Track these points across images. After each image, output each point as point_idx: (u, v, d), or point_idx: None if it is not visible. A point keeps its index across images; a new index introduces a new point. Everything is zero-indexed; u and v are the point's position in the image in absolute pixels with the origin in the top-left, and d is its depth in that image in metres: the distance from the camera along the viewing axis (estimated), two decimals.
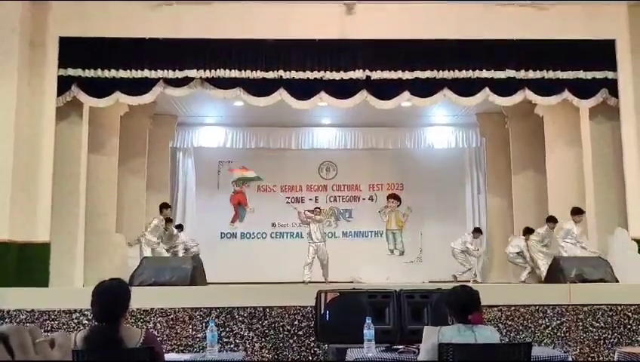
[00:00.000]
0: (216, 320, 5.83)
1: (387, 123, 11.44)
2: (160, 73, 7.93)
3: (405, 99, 8.35)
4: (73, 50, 7.90)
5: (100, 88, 7.95)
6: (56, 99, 7.83)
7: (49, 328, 5.62)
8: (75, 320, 5.78)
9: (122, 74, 7.90)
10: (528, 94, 8.17)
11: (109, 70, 7.89)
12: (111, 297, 3.15)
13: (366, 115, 10.46)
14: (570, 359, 4.11)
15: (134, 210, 9.92)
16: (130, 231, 9.47)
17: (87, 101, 8.03)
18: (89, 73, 7.89)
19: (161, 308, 5.90)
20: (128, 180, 9.87)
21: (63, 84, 7.86)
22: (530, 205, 10.05)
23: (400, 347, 4.23)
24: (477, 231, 10.47)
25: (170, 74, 7.94)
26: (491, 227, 11.14)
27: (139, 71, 7.92)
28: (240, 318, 5.93)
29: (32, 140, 7.70)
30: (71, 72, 7.87)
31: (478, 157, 12.01)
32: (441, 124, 11.80)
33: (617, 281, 7.02)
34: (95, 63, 7.90)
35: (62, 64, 7.86)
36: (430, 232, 12.13)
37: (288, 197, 12.22)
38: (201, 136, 11.74)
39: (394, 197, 12.38)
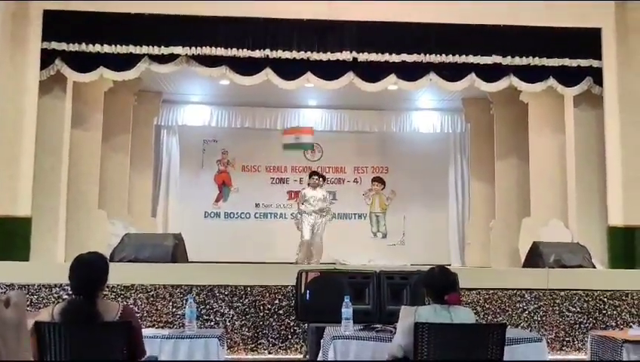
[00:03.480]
0: (197, 297, 5.86)
1: (373, 106, 11.42)
2: (145, 49, 7.85)
3: (392, 83, 8.34)
4: (57, 24, 7.78)
5: (84, 63, 7.86)
6: (40, 73, 7.74)
7: (28, 302, 5.62)
8: (55, 295, 5.79)
9: (107, 49, 7.81)
10: (514, 80, 8.19)
11: (94, 45, 7.79)
12: (88, 270, 3.15)
13: (352, 98, 10.42)
14: (544, 341, 4.18)
15: (117, 186, 9.86)
16: (113, 208, 9.44)
17: (71, 76, 7.94)
18: (73, 47, 7.79)
19: (142, 285, 5.92)
20: (112, 157, 9.80)
21: (47, 58, 7.75)
22: (512, 191, 10.12)
23: (377, 326, 4.28)
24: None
25: (156, 50, 7.86)
26: (474, 212, 11.22)
27: (124, 46, 7.83)
28: (221, 296, 5.97)
29: (15, 114, 7.62)
30: (55, 45, 7.77)
31: (463, 142, 12.04)
32: (427, 109, 11.81)
33: (594, 267, 7.13)
34: (80, 37, 7.79)
35: (46, 37, 7.74)
36: (413, 216, 12.19)
37: (273, 178, 12.20)
38: (186, 115, 11.66)
39: (378, 180, 12.41)
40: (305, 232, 9.51)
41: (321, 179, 9.92)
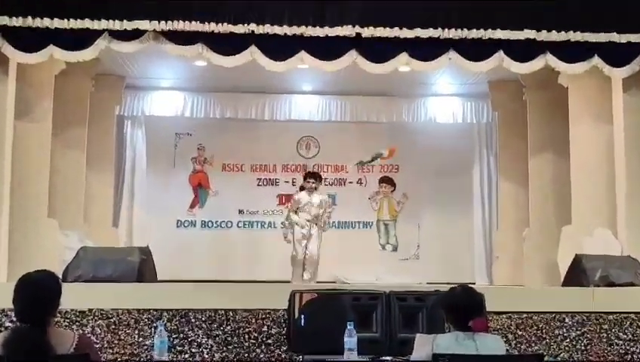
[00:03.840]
0: (168, 324, 5.85)
1: (381, 91, 11.42)
2: (104, 24, 7.81)
3: (403, 63, 8.33)
4: None
5: (30, 40, 7.82)
6: None
7: None
8: None
9: (58, 24, 7.77)
10: (550, 60, 8.19)
11: (42, 19, 7.75)
12: (37, 293, 3.15)
13: (355, 82, 10.43)
14: None
15: (72, 190, 9.86)
16: (66, 216, 9.43)
17: (14, 55, 7.90)
18: (17, 22, 7.74)
19: (102, 309, 5.90)
20: (64, 154, 9.79)
21: None
22: (549, 193, 10.13)
23: (387, 358, 4.28)
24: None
25: (117, 25, 7.82)
26: (503, 218, 11.23)
27: (78, 21, 7.78)
28: (197, 322, 5.95)
29: None
30: None
31: (490, 134, 12.07)
32: (446, 95, 11.82)
33: None
34: (25, 10, 7.74)
35: None
36: (430, 224, 12.21)
37: (260, 179, 12.22)
38: (155, 103, 11.65)
39: (387, 181, 12.43)
40: (296, 246, 9.54)
41: (317, 181, 9.93)
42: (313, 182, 9.79)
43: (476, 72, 9.63)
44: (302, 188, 10.06)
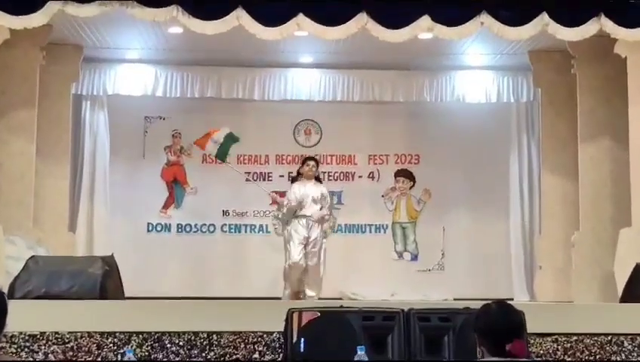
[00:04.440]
0: (138, 350, 5.86)
1: (396, 64, 11.42)
2: None
3: (424, 29, 8.34)
4: None
5: None
6: None
7: None
8: None
9: None
10: (605, 24, 8.19)
11: None
12: None
13: (365, 52, 10.42)
14: None
15: (18, 186, 9.86)
16: (12, 219, 9.43)
17: None
18: None
19: (57, 333, 5.91)
20: (8, 142, 9.80)
21: None
22: (604, 188, 10.12)
23: None
24: None
25: None
26: (547, 220, 11.23)
27: None
28: (174, 348, 5.96)
29: None
30: None
31: (531, 116, 12.05)
32: (477, 68, 11.81)
33: None
34: None
35: None
36: (457, 228, 12.21)
37: (248, 173, 12.23)
38: (119, 79, 11.63)
39: (405, 174, 12.43)
40: (293, 251, 9.49)
41: (317, 167, 9.91)
42: (314, 165, 9.75)
43: (514, 40, 9.61)
44: (294, 179, 10.01)
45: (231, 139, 10.71)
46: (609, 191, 10.08)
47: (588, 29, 8.29)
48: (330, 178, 11.93)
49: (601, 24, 8.20)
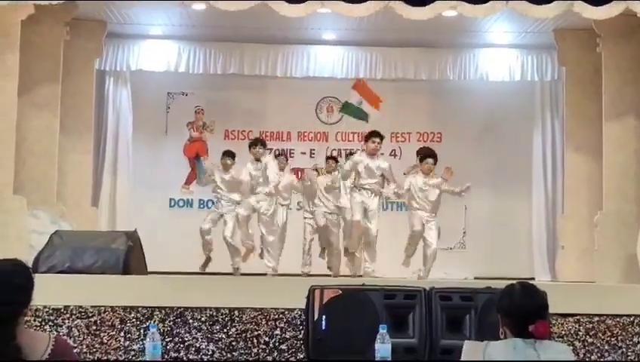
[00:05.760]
0: (161, 325, 5.89)
1: (420, 42, 11.41)
2: None
3: (448, 7, 8.35)
4: None
5: None
6: None
7: None
8: None
9: None
10: (632, 3, 8.12)
11: None
12: (3, 286, 3.17)
13: (388, 30, 10.37)
14: None
15: (42, 162, 9.91)
16: (36, 194, 9.49)
17: None
18: None
19: (80, 307, 5.95)
20: (33, 118, 9.84)
21: None
22: (629, 169, 10.06)
23: None
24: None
25: None
26: (570, 199, 11.17)
27: None
28: (196, 324, 5.99)
29: None
30: None
31: (555, 95, 11.99)
32: (501, 46, 11.76)
33: None
34: None
35: None
36: (479, 206, 12.17)
37: (270, 150, 12.21)
38: (143, 55, 11.66)
39: (428, 152, 12.37)
40: (355, 209, 9.49)
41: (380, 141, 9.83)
42: (379, 143, 9.71)
43: (539, 18, 9.54)
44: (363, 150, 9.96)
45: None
46: (634, 171, 10.01)
47: (614, 8, 8.21)
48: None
49: (628, 3, 8.12)
